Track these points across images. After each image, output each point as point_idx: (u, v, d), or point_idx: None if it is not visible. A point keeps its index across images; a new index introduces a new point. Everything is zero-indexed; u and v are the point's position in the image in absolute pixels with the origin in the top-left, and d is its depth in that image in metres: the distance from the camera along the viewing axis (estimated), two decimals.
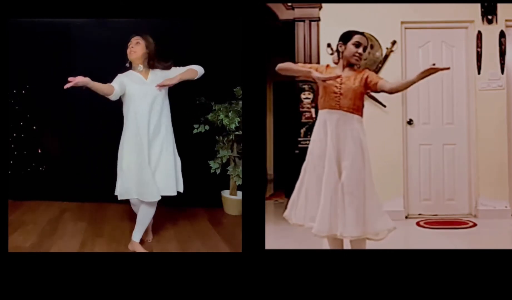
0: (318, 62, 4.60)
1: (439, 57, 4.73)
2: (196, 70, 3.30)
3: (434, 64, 2.62)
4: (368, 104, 4.53)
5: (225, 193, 4.51)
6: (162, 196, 3.25)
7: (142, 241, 3.39)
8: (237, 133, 4.31)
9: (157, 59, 3.25)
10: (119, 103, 3.26)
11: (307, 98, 4.82)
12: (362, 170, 2.77)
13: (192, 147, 4.20)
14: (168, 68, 3.29)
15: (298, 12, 4.82)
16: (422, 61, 4.74)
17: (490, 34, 4.70)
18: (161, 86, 3.19)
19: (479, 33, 4.70)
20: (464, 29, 4.79)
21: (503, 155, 4.70)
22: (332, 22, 4.61)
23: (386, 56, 4.76)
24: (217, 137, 4.45)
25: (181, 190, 3.34)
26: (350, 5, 4.64)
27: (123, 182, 3.18)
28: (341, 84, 2.82)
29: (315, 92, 4.69)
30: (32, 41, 4.40)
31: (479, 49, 4.72)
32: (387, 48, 4.76)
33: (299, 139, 4.78)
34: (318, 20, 4.79)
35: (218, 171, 4.39)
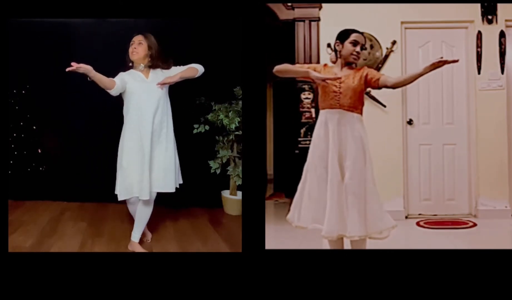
0: (318, 62, 4.60)
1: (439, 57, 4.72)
2: (196, 68, 3.31)
3: (441, 57, 2.63)
4: (368, 104, 4.53)
5: (225, 193, 4.51)
6: (162, 195, 3.26)
7: (140, 242, 3.39)
8: (237, 133, 4.30)
9: (159, 59, 3.26)
10: (119, 103, 3.26)
11: (307, 98, 4.82)
12: (363, 169, 2.78)
13: (192, 147, 4.20)
14: (168, 67, 3.30)
15: (298, 12, 4.82)
16: (422, 61, 4.73)
17: (490, 34, 4.70)
18: (162, 84, 3.20)
19: (479, 33, 4.70)
20: (464, 29, 4.79)
21: (503, 155, 4.70)
22: (332, 22, 4.60)
23: (386, 56, 4.76)
24: (217, 137, 4.45)
25: (181, 181, 3.38)
26: (350, 5, 4.64)
27: (123, 180, 3.18)
28: (340, 83, 2.82)
29: (315, 92, 4.69)
30: (32, 41, 4.40)
31: (479, 49, 4.72)
32: (387, 48, 4.76)
33: (299, 139, 4.78)
34: (318, 20, 4.79)
35: (218, 171, 4.39)
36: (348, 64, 2.89)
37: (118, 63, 3.27)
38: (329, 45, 4.68)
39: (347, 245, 2.93)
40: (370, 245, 2.87)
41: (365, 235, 2.76)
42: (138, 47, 3.22)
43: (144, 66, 3.25)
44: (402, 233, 4.13)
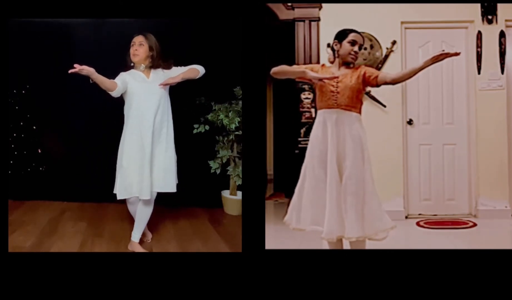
0: (318, 63, 4.60)
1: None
2: (197, 69, 3.32)
3: (443, 50, 2.62)
4: (368, 104, 4.54)
5: (225, 193, 4.51)
6: (162, 195, 3.26)
7: (141, 242, 3.39)
8: (237, 133, 4.30)
9: (160, 59, 3.26)
10: (119, 103, 3.26)
11: (307, 98, 4.82)
12: (362, 169, 2.76)
13: (192, 147, 4.20)
14: (169, 67, 3.30)
15: (298, 12, 4.82)
16: (422, 61, 4.70)
17: (490, 34, 4.70)
18: (164, 84, 3.20)
19: (479, 33, 4.70)
20: (464, 29, 4.79)
21: (503, 155, 4.70)
22: (332, 22, 4.60)
23: (386, 56, 4.76)
24: (217, 137, 4.45)
25: (177, 181, 3.36)
26: (350, 5, 4.65)
27: (123, 179, 3.18)
28: (337, 82, 2.81)
29: (315, 92, 4.69)
30: (32, 41, 4.39)
31: (479, 49, 4.72)
32: (387, 48, 4.76)
33: (299, 139, 4.78)
34: (318, 20, 4.79)
35: (218, 171, 4.39)
36: (346, 63, 2.88)
37: (118, 63, 3.27)
38: (329, 45, 4.66)
39: (346, 246, 2.93)
40: (370, 245, 2.87)
41: (363, 237, 2.74)
42: (139, 49, 3.22)
43: (145, 67, 3.26)
44: (402, 233, 4.13)
